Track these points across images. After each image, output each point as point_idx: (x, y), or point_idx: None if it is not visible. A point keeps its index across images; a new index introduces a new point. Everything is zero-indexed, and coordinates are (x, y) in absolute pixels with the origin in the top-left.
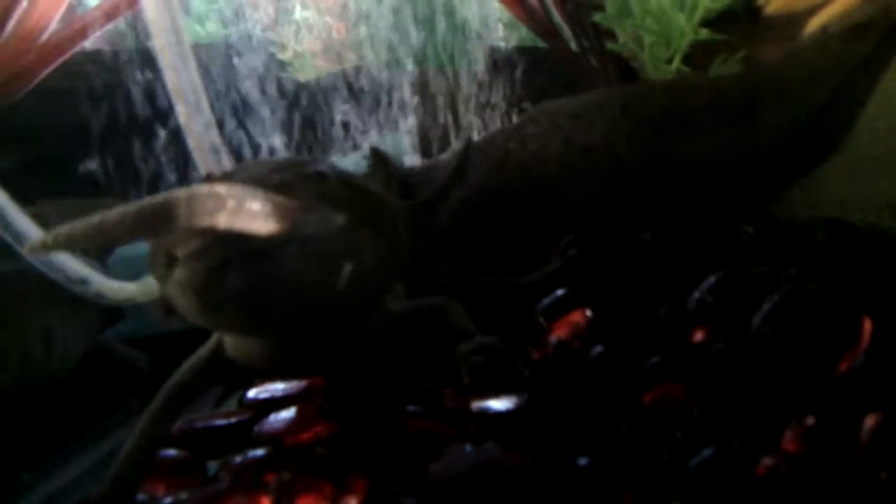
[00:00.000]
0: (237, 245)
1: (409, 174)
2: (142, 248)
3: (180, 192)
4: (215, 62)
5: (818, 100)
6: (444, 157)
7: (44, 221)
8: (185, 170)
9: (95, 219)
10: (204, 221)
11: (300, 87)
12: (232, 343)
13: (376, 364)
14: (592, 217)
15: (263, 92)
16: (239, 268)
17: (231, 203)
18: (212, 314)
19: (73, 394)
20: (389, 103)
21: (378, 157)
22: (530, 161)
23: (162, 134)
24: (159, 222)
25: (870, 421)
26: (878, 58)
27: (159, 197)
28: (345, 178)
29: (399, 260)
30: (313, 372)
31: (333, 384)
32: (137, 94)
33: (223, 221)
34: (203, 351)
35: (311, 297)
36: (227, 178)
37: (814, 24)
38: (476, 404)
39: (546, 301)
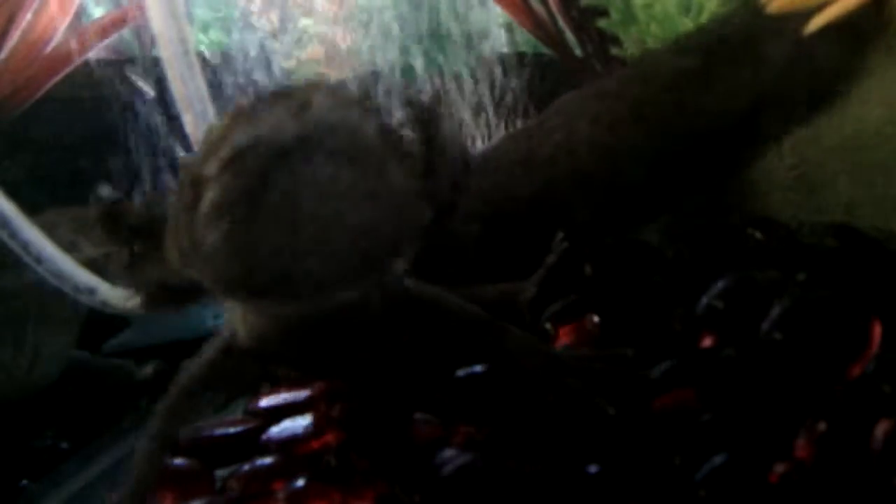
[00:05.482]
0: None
1: None
2: None
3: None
4: (219, 71)
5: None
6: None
7: (51, 231)
8: None
9: None
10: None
11: None
12: (247, 328)
13: (384, 364)
14: (629, 198)
15: None
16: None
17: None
18: (246, 258)
19: (45, 411)
20: (393, 110)
21: (423, 118)
22: (556, 152)
23: (168, 143)
24: None
25: (882, 426)
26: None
27: None
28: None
29: (415, 225)
30: (326, 362)
31: (341, 391)
32: (144, 104)
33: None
34: (216, 342)
35: (348, 212)
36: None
37: (814, 24)
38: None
39: (553, 307)
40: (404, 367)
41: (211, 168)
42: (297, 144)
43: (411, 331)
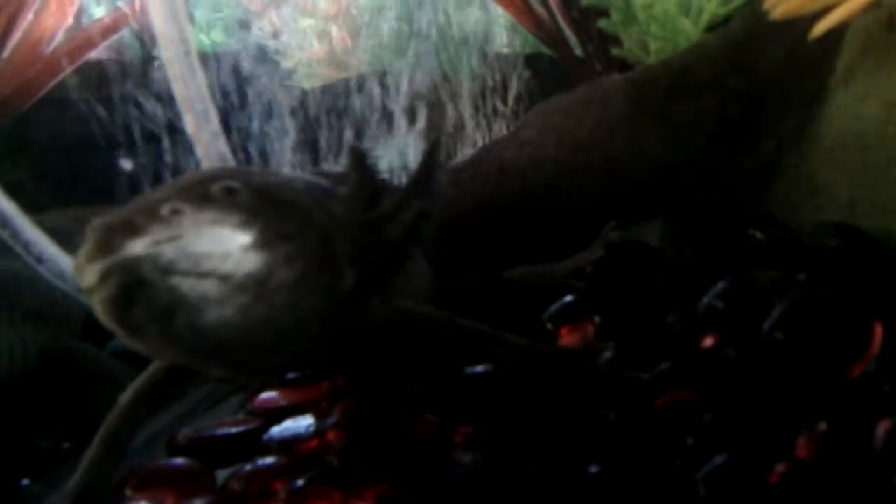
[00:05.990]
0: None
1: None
2: None
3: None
4: (220, 71)
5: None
6: (455, 161)
7: (53, 231)
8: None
9: None
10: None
11: (304, 95)
12: None
13: (378, 367)
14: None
15: (268, 100)
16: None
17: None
18: (136, 341)
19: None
20: (394, 112)
21: (355, 159)
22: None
23: (170, 143)
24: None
25: (883, 426)
26: None
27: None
28: (260, 192)
29: (333, 273)
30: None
31: (341, 390)
32: (145, 104)
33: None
34: None
35: (221, 317)
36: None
37: (819, 28)
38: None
39: (554, 307)
40: (401, 374)
41: (90, 276)
42: (159, 269)
43: (401, 346)
